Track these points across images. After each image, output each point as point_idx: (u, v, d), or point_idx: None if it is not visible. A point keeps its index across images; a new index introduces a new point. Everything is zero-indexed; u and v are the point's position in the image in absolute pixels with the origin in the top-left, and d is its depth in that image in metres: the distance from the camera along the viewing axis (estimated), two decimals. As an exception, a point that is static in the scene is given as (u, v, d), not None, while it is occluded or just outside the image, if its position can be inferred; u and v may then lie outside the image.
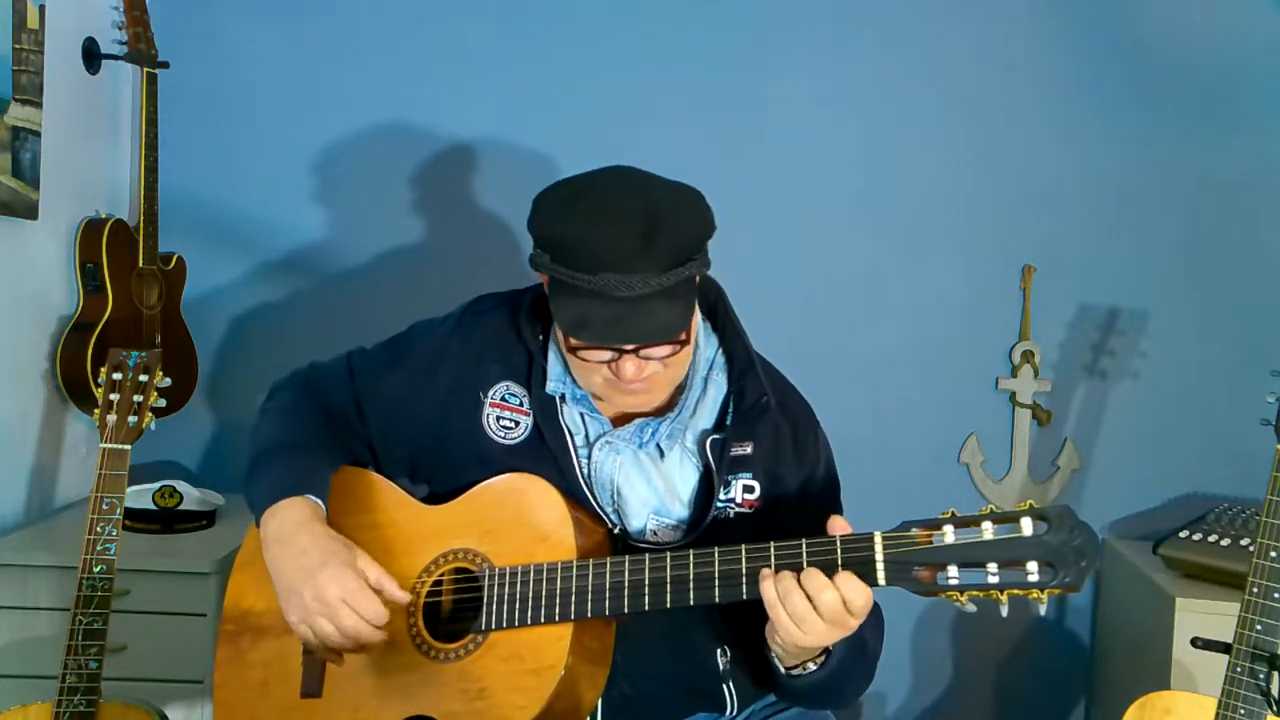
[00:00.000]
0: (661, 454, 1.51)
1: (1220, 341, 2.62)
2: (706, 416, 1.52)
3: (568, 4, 2.65)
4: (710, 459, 1.49)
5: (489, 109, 2.65)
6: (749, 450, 1.50)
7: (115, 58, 2.47)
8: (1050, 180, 2.64)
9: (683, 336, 1.41)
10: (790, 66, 2.65)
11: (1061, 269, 2.65)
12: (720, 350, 1.56)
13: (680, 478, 1.51)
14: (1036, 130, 2.64)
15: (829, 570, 1.26)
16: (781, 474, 1.52)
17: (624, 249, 1.33)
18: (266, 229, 2.66)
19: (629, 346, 1.38)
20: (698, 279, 1.44)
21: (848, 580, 1.25)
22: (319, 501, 1.48)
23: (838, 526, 1.30)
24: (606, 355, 1.39)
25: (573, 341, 1.40)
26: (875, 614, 1.45)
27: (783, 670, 1.37)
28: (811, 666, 1.36)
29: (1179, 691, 1.85)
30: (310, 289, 2.67)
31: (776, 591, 1.27)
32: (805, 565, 1.28)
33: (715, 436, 1.49)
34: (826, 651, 1.36)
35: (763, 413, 1.51)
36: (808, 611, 1.25)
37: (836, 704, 1.53)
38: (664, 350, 1.40)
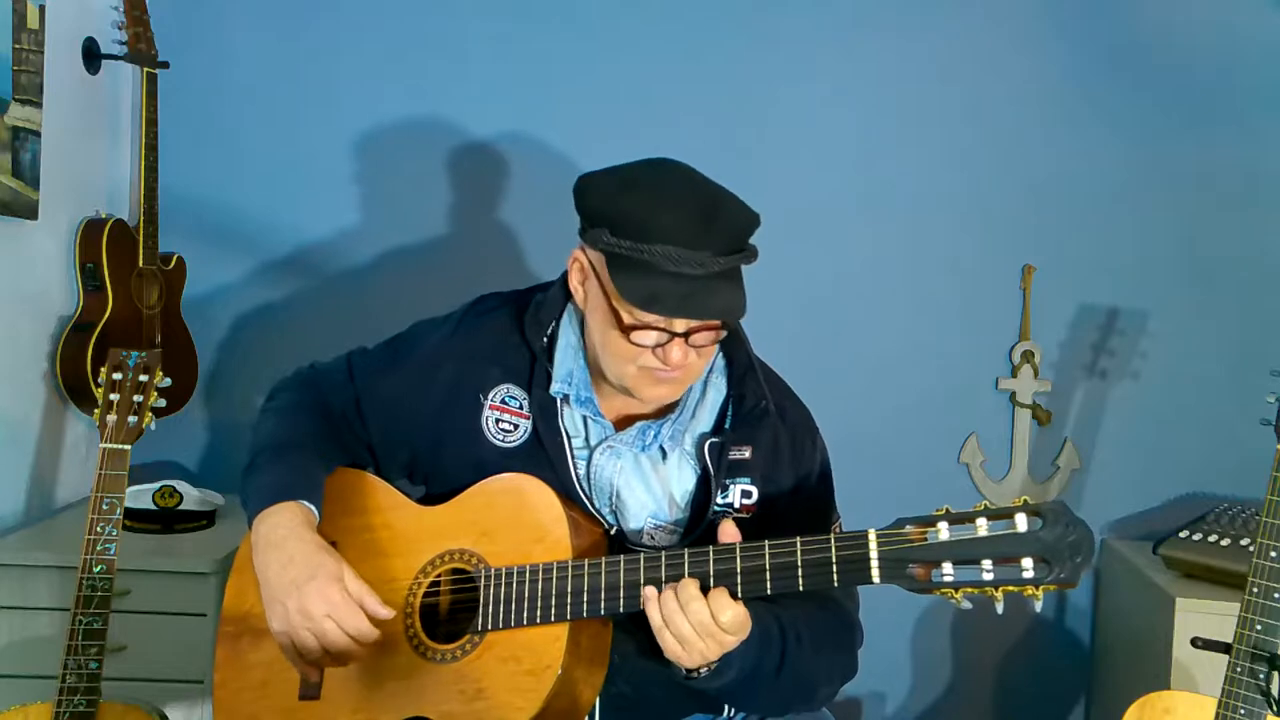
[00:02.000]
0: (664, 456, 1.51)
1: (1220, 341, 2.62)
2: (705, 419, 1.52)
3: (567, 3, 2.65)
4: (708, 462, 1.48)
5: (489, 108, 2.65)
6: (747, 455, 1.50)
7: (115, 58, 2.47)
8: (1050, 180, 2.64)
9: (732, 323, 1.43)
10: (791, 66, 2.65)
11: (1061, 269, 2.65)
12: (720, 354, 1.55)
13: (678, 481, 1.51)
14: (1036, 130, 2.64)
15: (705, 586, 1.30)
16: (778, 479, 1.52)
17: (690, 227, 1.34)
18: (266, 229, 2.66)
19: (680, 329, 1.38)
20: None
21: (717, 596, 1.28)
22: (312, 507, 1.48)
23: (727, 534, 1.33)
24: (654, 339, 1.39)
25: (628, 320, 1.38)
26: (828, 632, 1.46)
27: (682, 673, 1.36)
28: (704, 671, 1.35)
29: (1179, 691, 1.84)
30: (311, 289, 2.68)
31: (661, 615, 1.30)
32: (800, 563, 1.28)
33: (714, 440, 1.49)
34: (721, 659, 1.34)
35: (762, 416, 1.51)
36: (686, 629, 1.28)
37: (759, 711, 1.52)
38: (709, 336, 1.41)
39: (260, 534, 1.45)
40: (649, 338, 1.39)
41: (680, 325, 1.38)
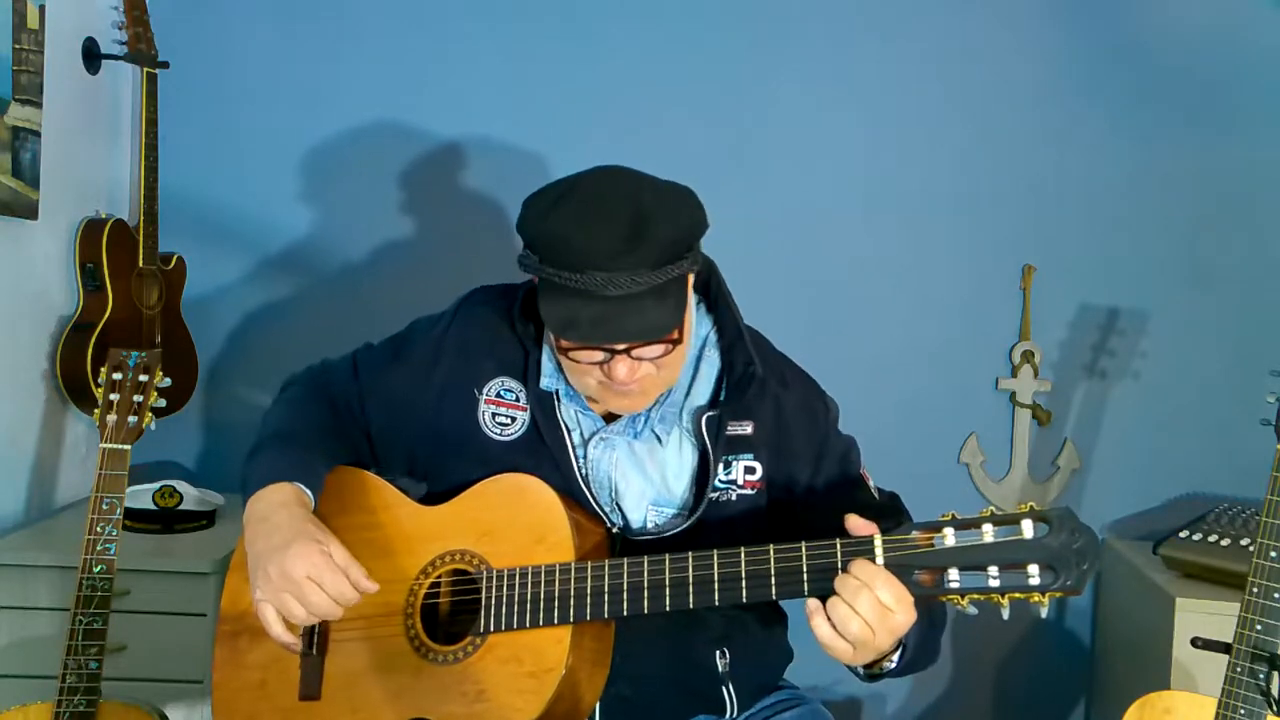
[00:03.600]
0: (660, 440, 1.51)
1: (1220, 341, 2.62)
2: (702, 394, 1.52)
3: (567, 2, 2.65)
4: (706, 438, 1.48)
5: (488, 108, 2.65)
6: (749, 430, 1.50)
7: (115, 58, 2.47)
8: (1050, 180, 2.64)
9: (674, 335, 1.40)
10: (791, 66, 2.65)
11: (1061, 269, 2.65)
12: (713, 329, 1.55)
13: (678, 461, 1.50)
14: (1037, 130, 2.64)
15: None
16: (791, 448, 1.51)
17: (610, 247, 1.32)
18: (266, 229, 2.66)
19: (619, 347, 1.37)
20: (690, 278, 1.44)
21: (876, 576, 1.22)
22: (306, 490, 1.48)
23: (855, 526, 1.28)
24: (598, 356, 1.39)
25: (563, 343, 1.39)
26: None
27: (862, 672, 1.35)
28: (889, 665, 1.34)
29: (1179, 691, 1.84)
30: (310, 288, 2.67)
31: (833, 626, 1.23)
32: (805, 568, 1.27)
33: (710, 414, 1.49)
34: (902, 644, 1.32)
35: (752, 382, 1.49)
36: (864, 633, 1.22)
37: (925, 666, 1.46)
38: (655, 350, 1.39)
39: (252, 512, 1.45)
40: (588, 356, 1.39)
41: (620, 343, 1.37)
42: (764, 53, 2.65)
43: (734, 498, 1.49)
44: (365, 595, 1.40)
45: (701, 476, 1.50)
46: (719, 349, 1.54)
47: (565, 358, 1.41)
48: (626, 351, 1.37)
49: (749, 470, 1.50)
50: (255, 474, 1.49)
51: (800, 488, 1.50)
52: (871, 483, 1.53)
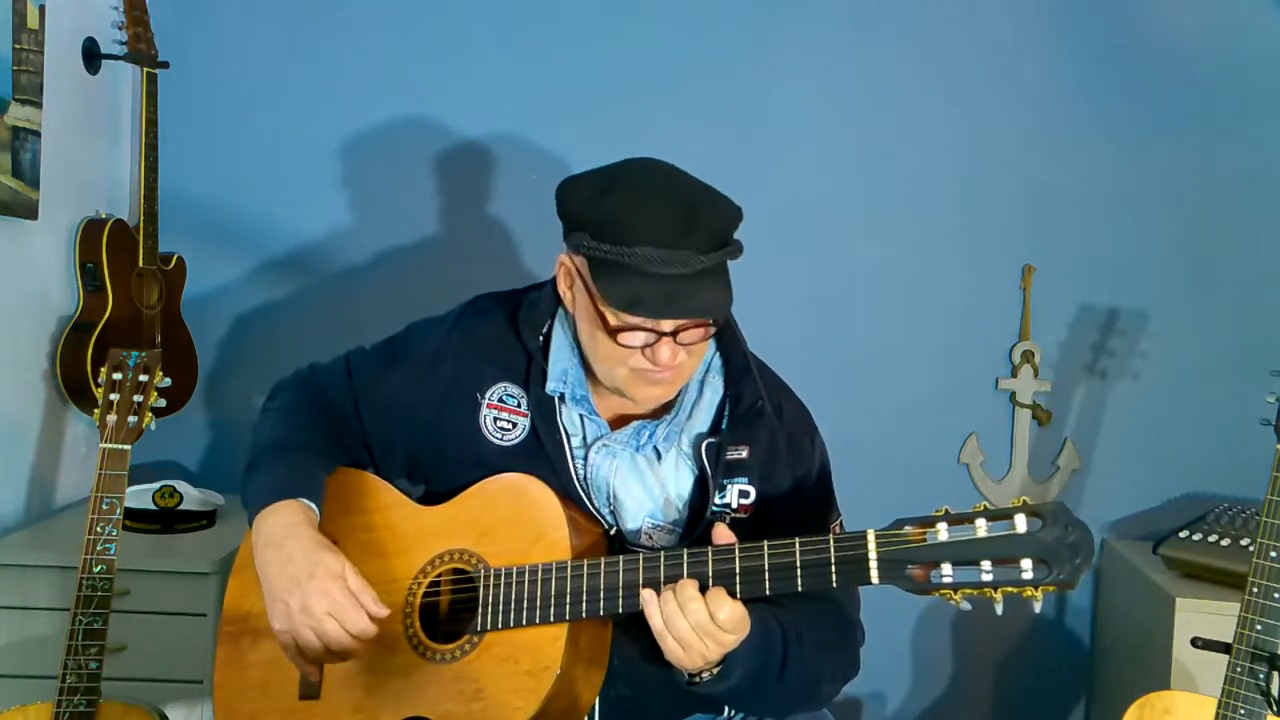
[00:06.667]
0: (659, 456, 1.51)
1: (1220, 341, 2.62)
2: (702, 420, 1.52)
3: (566, 4, 2.65)
4: (705, 463, 1.48)
5: (490, 108, 2.65)
6: (745, 455, 1.50)
7: (115, 58, 2.47)
8: (1050, 180, 2.64)
9: (719, 320, 1.42)
10: (792, 67, 2.65)
11: (1061, 269, 2.65)
12: (717, 354, 1.56)
13: (676, 481, 1.51)
14: (1036, 130, 2.64)
15: (704, 586, 1.30)
16: (775, 479, 1.52)
17: (670, 227, 1.34)
18: (266, 229, 2.66)
19: (668, 328, 1.38)
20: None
21: (715, 594, 1.28)
22: (312, 506, 1.48)
23: (721, 536, 1.33)
24: (641, 340, 1.39)
25: (614, 322, 1.39)
26: (829, 631, 1.45)
27: (684, 678, 1.36)
28: (706, 676, 1.35)
29: (1179, 691, 1.84)
30: (310, 289, 2.68)
31: (662, 616, 1.30)
32: (799, 563, 1.28)
33: (711, 440, 1.49)
34: (724, 662, 1.34)
35: (759, 416, 1.51)
36: (685, 630, 1.28)
37: (763, 713, 1.51)
38: (698, 334, 1.40)
39: (260, 533, 1.45)
40: (636, 339, 1.39)
41: (667, 325, 1.38)
42: (764, 54, 2.65)
43: (727, 520, 1.48)
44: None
45: (698, 499, 1.50)
46: (723, 377, 1.54)
47: (612, 340, 1.40)
48: (673, 335, 1.38)
49: (743, 494, 1.50)
50: (257, 490, 1.48)
51: (776, 520, 1.50)
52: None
